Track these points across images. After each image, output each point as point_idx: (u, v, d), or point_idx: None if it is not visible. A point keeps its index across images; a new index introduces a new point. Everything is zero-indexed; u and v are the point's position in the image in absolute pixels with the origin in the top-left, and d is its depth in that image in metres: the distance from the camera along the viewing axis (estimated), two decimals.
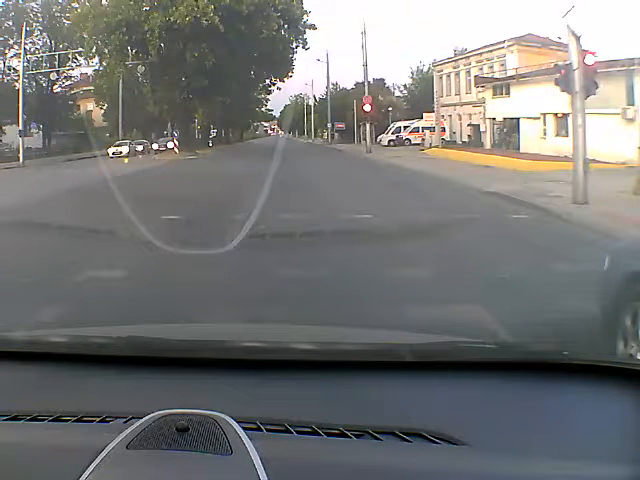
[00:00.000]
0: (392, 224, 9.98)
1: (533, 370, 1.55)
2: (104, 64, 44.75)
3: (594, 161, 16.32)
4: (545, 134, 30.63)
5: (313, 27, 44.45)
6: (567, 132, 28.13)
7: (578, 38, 12.22)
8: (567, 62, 12.15)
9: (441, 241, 8.48)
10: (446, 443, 1.29)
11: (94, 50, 41.40)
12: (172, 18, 37.45)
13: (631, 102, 24.21)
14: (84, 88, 55.70)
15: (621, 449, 1.28)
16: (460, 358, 1.65)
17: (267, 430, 1.32)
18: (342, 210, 11.48)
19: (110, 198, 10.39)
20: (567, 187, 12.76)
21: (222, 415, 1.25)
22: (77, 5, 43.56)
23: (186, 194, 14.93)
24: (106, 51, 41.02)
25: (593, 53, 12.20)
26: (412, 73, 57.79)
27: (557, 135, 29.31)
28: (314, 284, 6.01)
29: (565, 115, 28.56)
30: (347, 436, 1.31)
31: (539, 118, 30.90)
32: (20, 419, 1.42)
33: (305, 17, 43.57)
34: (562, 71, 12.12)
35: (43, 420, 1.40)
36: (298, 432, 1.32)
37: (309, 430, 1.33)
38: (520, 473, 1.21)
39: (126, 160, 38.31)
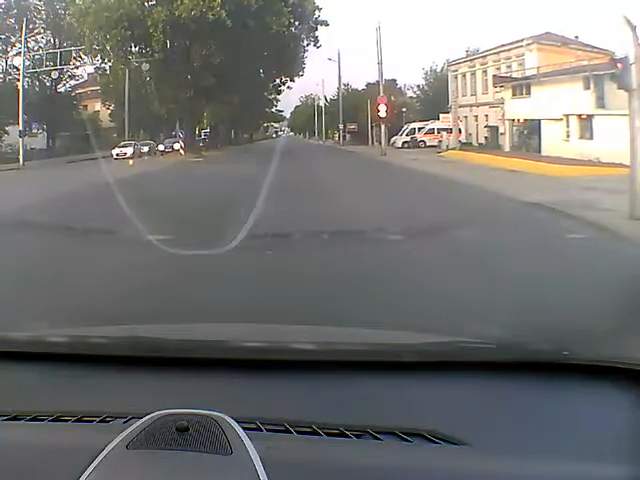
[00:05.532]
0: (428, 246, 8.34)
1: (533, 370, 1.53)
2: (106, 61, 43.44)
3: (621, 165, 15.50)
4: (568, 136, 30.06)
5: (325, 23, 43.04)
6: (592, 135, 27.28)
7: (634, 28, 10.71)
8: (624, 56, 10.58)
9: (496, 270, 7.01)
10: (446, 443, 1.29)
11: (95, 46, 39.84)
12: (176, 12, 35.71)
13: None
14: (91, 88, 54.64)
15: (621, 449, 1.28)
16: (460, 358, 1.62)
17: (267, 430, 1.32)
18: (364, 223, 10.17)
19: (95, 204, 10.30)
20: (614, 197, 11.78)
21: (222, 415, 1.25)
22: (80, 1, 42.07)
23: (184, 202, 13.69)
24: (107, 47, 39.53)
25: None
26: (425, 73, 56.56)
27: (581, 137, 28.75)
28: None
29: (590, 117, 27.58)
30: (347, 436, 1.31)
31: (562, 119, 30.24)
32: (20, 419, 1.43)
33: (317, 13, 42.27)
34: (619, 65, 10.52)
35: (43, 420, 1.41)
36: (298, 432, 1.32)
37: (309, 430, 1.33)
38: (520, 473, 1.22)
39: (130, 162, 37.09)
